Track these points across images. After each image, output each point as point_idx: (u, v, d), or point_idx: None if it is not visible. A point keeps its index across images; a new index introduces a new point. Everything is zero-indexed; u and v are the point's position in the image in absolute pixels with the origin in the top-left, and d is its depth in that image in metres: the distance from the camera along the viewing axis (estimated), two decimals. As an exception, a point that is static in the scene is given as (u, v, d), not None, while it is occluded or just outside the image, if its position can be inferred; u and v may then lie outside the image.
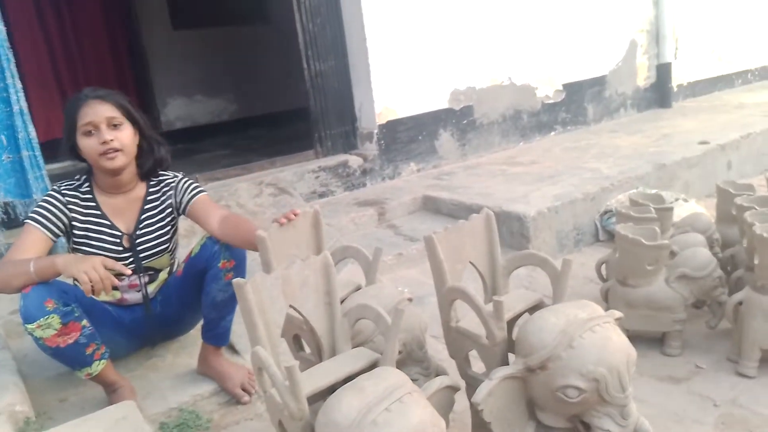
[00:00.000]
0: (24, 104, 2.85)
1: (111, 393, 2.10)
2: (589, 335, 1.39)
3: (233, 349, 2.46)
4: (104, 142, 2.00)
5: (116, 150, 2.03)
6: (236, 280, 1.39)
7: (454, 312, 1.66)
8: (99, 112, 2.01)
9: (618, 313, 1.60)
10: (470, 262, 1.73)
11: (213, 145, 5.86)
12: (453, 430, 1.98)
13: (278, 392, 1.32)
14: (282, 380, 1.30)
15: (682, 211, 3.21)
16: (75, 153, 2.08)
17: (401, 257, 3.28)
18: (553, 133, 5.15)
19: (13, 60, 2.82)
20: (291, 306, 1.52)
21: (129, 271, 1.98)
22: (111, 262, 1.88)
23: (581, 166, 4.08)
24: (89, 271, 1.81)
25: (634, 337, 2.38)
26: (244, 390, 2.21)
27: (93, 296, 1.88)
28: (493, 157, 4.65)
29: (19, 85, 2.83)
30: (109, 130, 2.02)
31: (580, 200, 3.46)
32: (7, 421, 1.80)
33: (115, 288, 2.17)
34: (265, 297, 1.45)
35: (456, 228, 1.71)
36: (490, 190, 3.74)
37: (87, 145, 2.02)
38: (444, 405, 1.47)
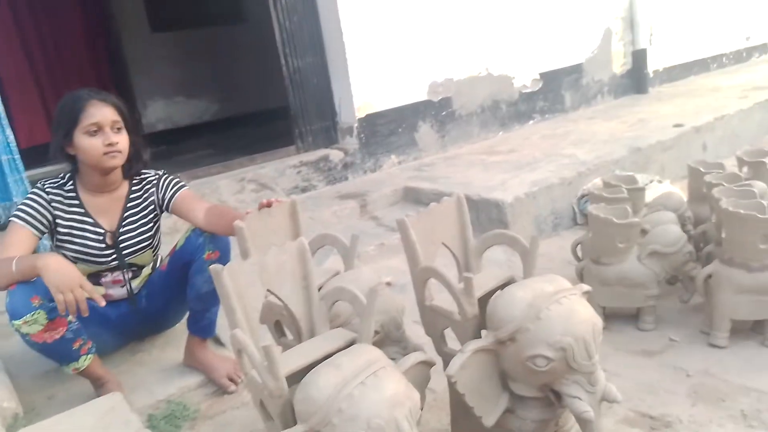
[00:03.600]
0: (1, 108, 2.86)
1: (98, 387, 2.14)
2: (556, 307, 1.45)
3: (219, 342, 2.50)
4: (110, 144, 2.05)
5: (119, 151, 2.09)
6: (213, 266, 1.43)
7: (428, 291, 1.71)
8: (105, 114, 2.07)
9: (586, 287, 1.66)
10: (443, 244, 1.78)
11: (195, 146, 5.88)
12: (433, 408, 2.04)
13: (257, 372, 1.37)
14: (261, 360, 1.34)
15: (656, 192, 3.28)
16: (64, 151, 2.11)
17: (383, 247, 3.33)
18: (531, 121, 5.22)
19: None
20: (269, 291, 1.56)
21: (104, 303, 1.95)
22: (90, 288, 1.89)
23: (559, 152, 4.15)
24: (66, 293, 1.83)
25: (610, 315, 2.47)
26: (230, 380, 2.25)
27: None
28: (472, 148, 4.70)
29: (-4, 90, 2.85)
30: (113, 132, 2.08)
31: (557, 185, 3.53)
32: (-4, 418, 1.83)
33: (98, 284, 2.21)
34: (242, 283, 1.49)
35: (428, 211, 1.77)
36: (469, 179, 3.80)
37: (90, 144, 2.05)
38: (419, 380, 1.52)
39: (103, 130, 2.05)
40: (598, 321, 1.49)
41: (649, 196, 2.99)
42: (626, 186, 2.69)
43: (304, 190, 3.94)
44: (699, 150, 4.42)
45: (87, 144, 2.05)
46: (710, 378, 2.08)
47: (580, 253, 2.68)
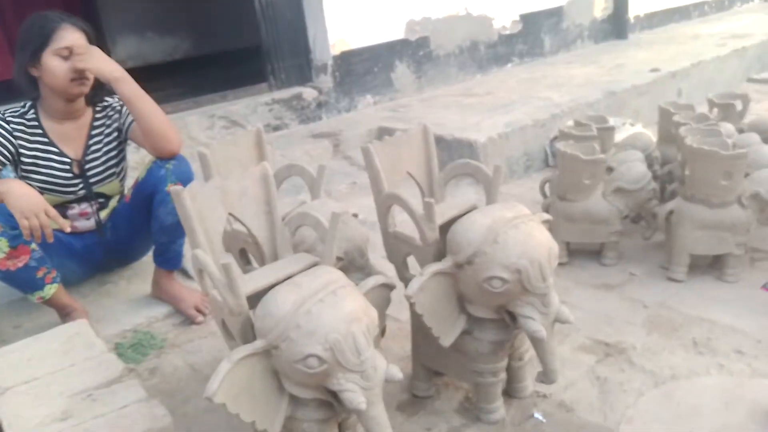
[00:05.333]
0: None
1: (65, 316, 2.15)
2: (513, 231, 1.47)
3: (187, 275, 2.51)
4: (79, 70, 2.01)
5: (87, 79, 2.05)
6: (174, 188, 1.42)
7: (391, 218, 1.72)
8: (76, 39, 2.02)
9: (546, 215, 1.69)
10: (408, 173, 1.79)
11: (166, 85, 5.70)
12: (397, 337, 2.09)
13: (218, 291, 1.38)
14: (221, 278, 1.35)
15: (628, 134, 3.30)
16: (27, 72, 2.05)
17: (355, 186, 3.34)
18: (510, 65, 5.17)
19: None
20: (231, 215, 1.56)
21: (68, 228, 1.97)
22: (54, 213, 1.87)
23: (534, 95, 4.14)
24: (30, 217, 1.81)
25: (574, 250, 2.52)
26: (198, 311, 2.27)
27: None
28: (449, 90, 4.66)
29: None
30: None
31: (531, 127, 3.54)
32: (-40, 344, 1.84)
33: (64, 217, 2.19)
34: (203, 205, 1.49)
35: (393, 140, 1.76)
36: (443, 120, 3.78)
37: (57, 66, 2.00)
38: (380, 302, 1.55)
39: (72, 56, 2.01)
40: (554, 246, 1.52)
41: (621, 137, 3.01)
42: (596, 125, 2.71)
43: (276, 128, 3.89)
44: (674, 95, 4.43)
45: (56, 66, 2.00)
46: (666, 309, 2.15)
47: (548, 191, 2.70)
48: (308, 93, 4.03)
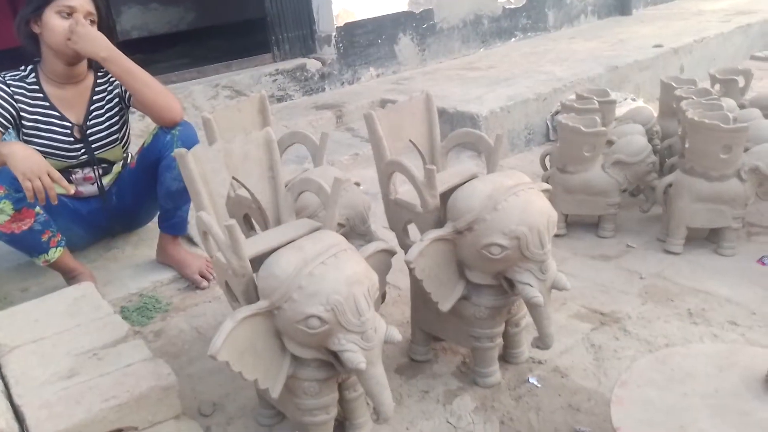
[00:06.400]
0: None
1: (71, 279, 2.18)
2: (513, 199, 1.49)
3: (192, 241, 2.54)
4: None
5: None
6: (178, 150, 1.44)
7: (392, 185, 1.74)
8: (82, 2, 2.02)
9: (546, 185, 1.71)
10: (410, 141, 1.80)
11: (170, 55, 5.71)
12: (397, 303, 2.13)
13: (222, 253, 1.41)
14: (224, 240, 1.38)
15: (628, 108, 3.31)
16: (28, 27, 2.05)
17: (357, 157, 3.34)
18: (513, 39, 5.14)
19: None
20: (234, 178, 1.58)
21: (72, 191, 2.00)
22: (57, 176, 1.88)
23: (537, 69, 4.13)
24: (33, 179, 1.82)
25: (572, 222, 2.55)
26: (202, 276, 2.30)
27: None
28: (452, 63, 4.65)
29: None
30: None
31: (533, 100, 3.54)
32: (-32, 303, 1.88)
33: (68, 181, 2.21)
34: (207, 168, 1.50)
35: (396, 107, 1.77)
36: (446, 92, 3.78)
37: (58, 25, 2.00)
38: (381, 267, 1.58)
39: (74, 17, 2.01)
40: (553, 213, 1.54)
41: (622, 111, 3.02)
42: (598, 99, 2.71)
43: (280, 99, 3.89)
44: (676, 71, 4.42)
45: (55, 24, 2.00)
46: (662, 280, 2.18)
47: (548, 164, 2.72)
48: (312, 64, 4.02)
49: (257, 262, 1.44)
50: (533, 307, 1.53)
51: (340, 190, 1.52)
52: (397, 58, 4.46)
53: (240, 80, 3.72)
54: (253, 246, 1.48)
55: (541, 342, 1.59)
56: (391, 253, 1.60)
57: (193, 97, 3.49)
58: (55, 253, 2.10)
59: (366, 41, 4.24)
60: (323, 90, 4.12)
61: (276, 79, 3.88)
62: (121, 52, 2.05)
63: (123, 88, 2.21)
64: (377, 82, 4.32)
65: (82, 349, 1.57)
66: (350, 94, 4.06)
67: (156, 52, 5.88)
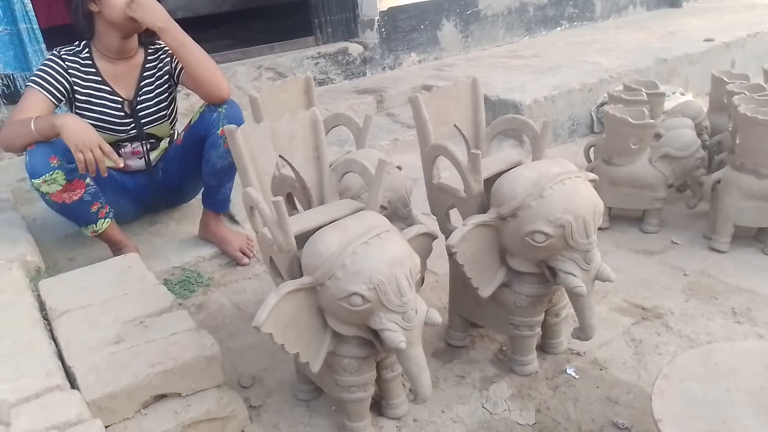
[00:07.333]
0: (19, -24, 2.83)
1: (116, 251, 2.24)
2: (559, 186, 1.48)
3: (233, 220, 2.58)
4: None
5: None
6: (228, 126, 1.46)
7: (436, 170, 1.74)
8: None
9: (592, 175, 1.69)
10: (455, 126, 1.79)
11: (214, 36, 5.77)
12: (435, 289, 2.13)
13: (268, 228, 1.43)
14: (271, 216, 1.40)
15: (677, 102, 3.23)
16: (85, 9, 2.09)
17: (397, 142, 3.34)
18: (558, 28, 5.05)
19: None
20: (280, 156, 1.60)
21: (122, 164, 2.06)
22: (108, 149, 1.93)
23: (582, 59, 4.05)
24: (85, 151, 1.88)
25: (615, 216, 2.51)
26: (242, 253, 2.34)
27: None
28: (495, 51, 4.60)
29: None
30: None
31: (578, 91, 3.48)
32: (20, 269, 1.94)
33: (117, 155, 2.26)
34: (255, 145, 1.52)
35: (441, 91, 1.77)
36: (489, 80, 3.74)
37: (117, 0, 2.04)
38: (422, 251, 1.58)
39: None
40: (600, 203, 1.52)
41: (671, 105, 2.94)
42: (647, 90, 2.65)
43: (321, 83, 3.90)
44: (727, 66, 4.27)
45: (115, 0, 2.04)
46: (706, 278, 2.13)
47: (592, 156, 2.68)
48: (354, 48, 4.02)
49: (301, 239, 1.45)
50: (576, 297, 1.51)
51: (384, 171, 1.52)
52: (440, 44, 4.43)
53: (282, 62, 3.75)
54: (297, 223, 1.49)
55: (582, 333, 1.57)
56: (433, 237, 1.60)
57: (237, 77, 3.53)
58: (103, 224, 2.15)
59: (409, 26, 4.22)
60: (364, 74, 4.12)
61: (318, 62, 3.89)
62: (177, 25, 2.08)
63: (173, 65, 2.24)
64: (419, 67, 4.30)
65: (128, 317, 1.61)
66: (391, 80, 4.05)
67: (200, 32, 5.94)
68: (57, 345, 1.54)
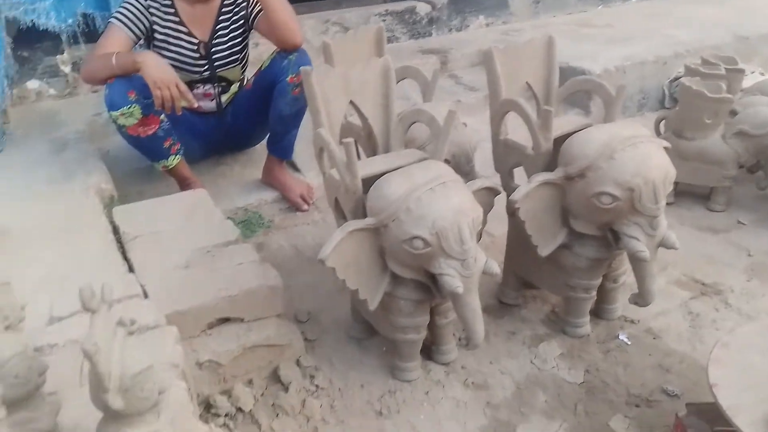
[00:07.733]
0: None
1: (184, 187, 2.31)
2: (631, 149, 1.46)
3: (295, 168, 2.63)
4: None
5: None
6: (303, 67, 1.50)
7: (504, 126, 1.73)
8: None
9: (665, 143, 1.65)
10: (527, 83, 1.78)
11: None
12: (491, 249, 2.13)
13: (336, 169, 1.46)
14: (340, 157, 1.43)
15: (756, 81, 3.09)
16: None
17: (460, 105, 3.31)
18: (634, -1, 4.86)
19: None
20: (351, 102, 1.62)
21: (195, 104, 2.12)
22: (184, 88, 2.00)
23: (657, 31, 3.90)
24: (163, 88, 1.95)
25: (681, 192, 2.44)
26: (303, 200, 2.40)
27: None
28: (567, 18, 4.46)
29: None
30: None
31: (651, 63, 3.37)
32: (96, 196, 2.04)
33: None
34: (327, 89, 1.55)
35: (515, 48, 1.75)
36: (558, 47, 3.65)
37: None
38: (484, 204, 1.58)
39: None
40: (672, 170, 1.50)
41: (749, 84, 2.83)
42: (726, 65, 2.55)
43: (386, 41, 3.88)
44: (813, 48, 4.06)
45: None
46: (771, 260, 2.08)
47: (662, 130, 2.60)
48: (422, 7, 3.98)
49: (367, 183, 1.48)
50: (637, 262, 1.50)
51: (453, 123, 1.53)
52: (509, 9, 4.33)
53: (349, 18, 3.74)
54: (364, 168, 1.52)
55: (641, 298, 1.57)
56: (496, 191, 1.60)
57: (304, 31, 3.52)
58: (173, 161, 2.23)
59: (479, -12, 4.14)
60: (430, 35, 4.07)
61: (385, 20, 3.86)
62: None
63: (249, 10, 2.28)
64: (485, 31, 4.22)
65: (196, 245, 1.69)
66: (457, 41, 3.99)
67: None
68: (129, 265, 1.63)
